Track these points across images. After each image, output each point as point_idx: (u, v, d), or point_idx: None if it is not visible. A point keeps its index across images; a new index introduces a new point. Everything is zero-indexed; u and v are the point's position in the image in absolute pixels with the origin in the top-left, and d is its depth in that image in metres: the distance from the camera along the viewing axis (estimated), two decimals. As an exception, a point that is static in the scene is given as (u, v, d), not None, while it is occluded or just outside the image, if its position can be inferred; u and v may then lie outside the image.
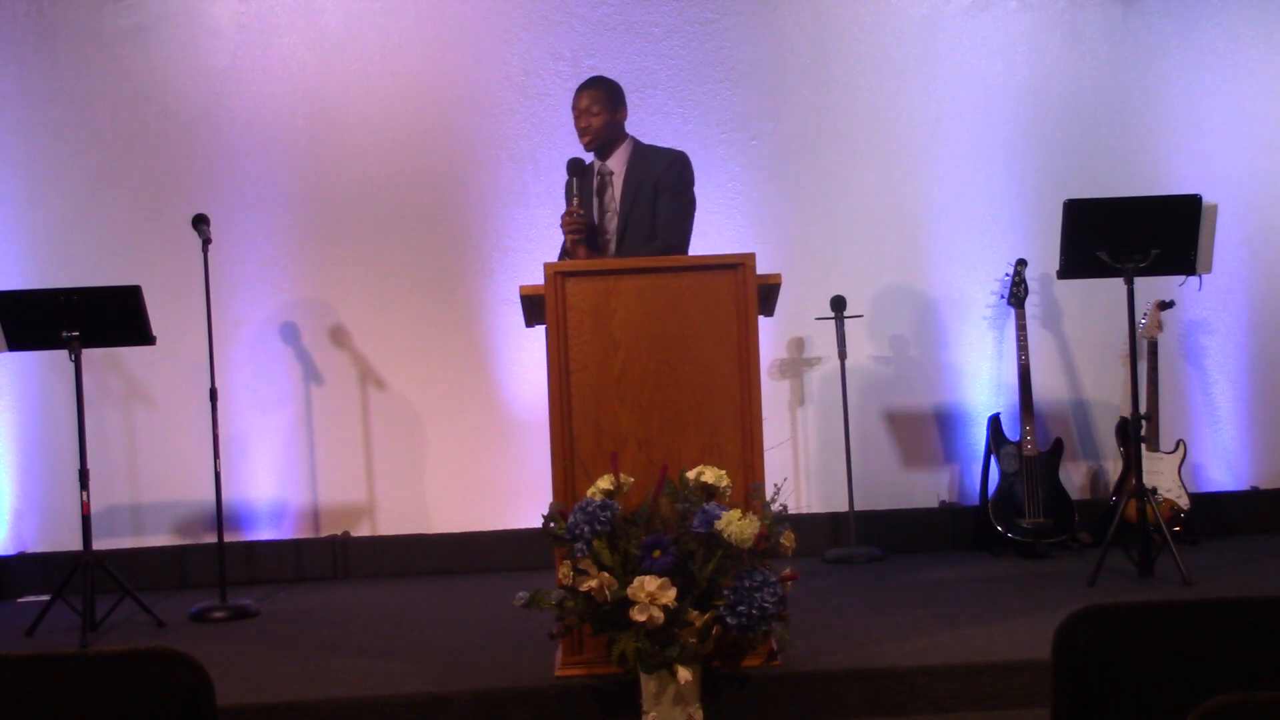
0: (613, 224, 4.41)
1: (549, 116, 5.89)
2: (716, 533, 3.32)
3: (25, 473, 5.83)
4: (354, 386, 5.91)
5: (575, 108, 4.45)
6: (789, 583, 3.43)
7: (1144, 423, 5.18)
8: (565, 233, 4.33)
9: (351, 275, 5.91)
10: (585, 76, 5.84)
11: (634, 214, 4.38)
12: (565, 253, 4.40)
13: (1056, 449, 5.65)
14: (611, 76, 5.82)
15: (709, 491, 3.44)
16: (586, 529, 3.37)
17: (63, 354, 4.87)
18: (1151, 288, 5.54)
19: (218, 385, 5.10)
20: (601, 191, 4.45)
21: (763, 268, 3.85)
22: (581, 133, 4.43)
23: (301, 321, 5.90)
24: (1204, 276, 5.03)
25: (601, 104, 4.40)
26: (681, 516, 3.42)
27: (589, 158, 4.51)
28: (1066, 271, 4.95)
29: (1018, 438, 5.61)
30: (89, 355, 5.02)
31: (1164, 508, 5.38)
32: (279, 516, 5.87)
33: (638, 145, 4.47)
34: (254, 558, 5.76)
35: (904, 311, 5.96)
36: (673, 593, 3.30)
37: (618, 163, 4.44)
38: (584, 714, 3.68)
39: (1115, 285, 4.97)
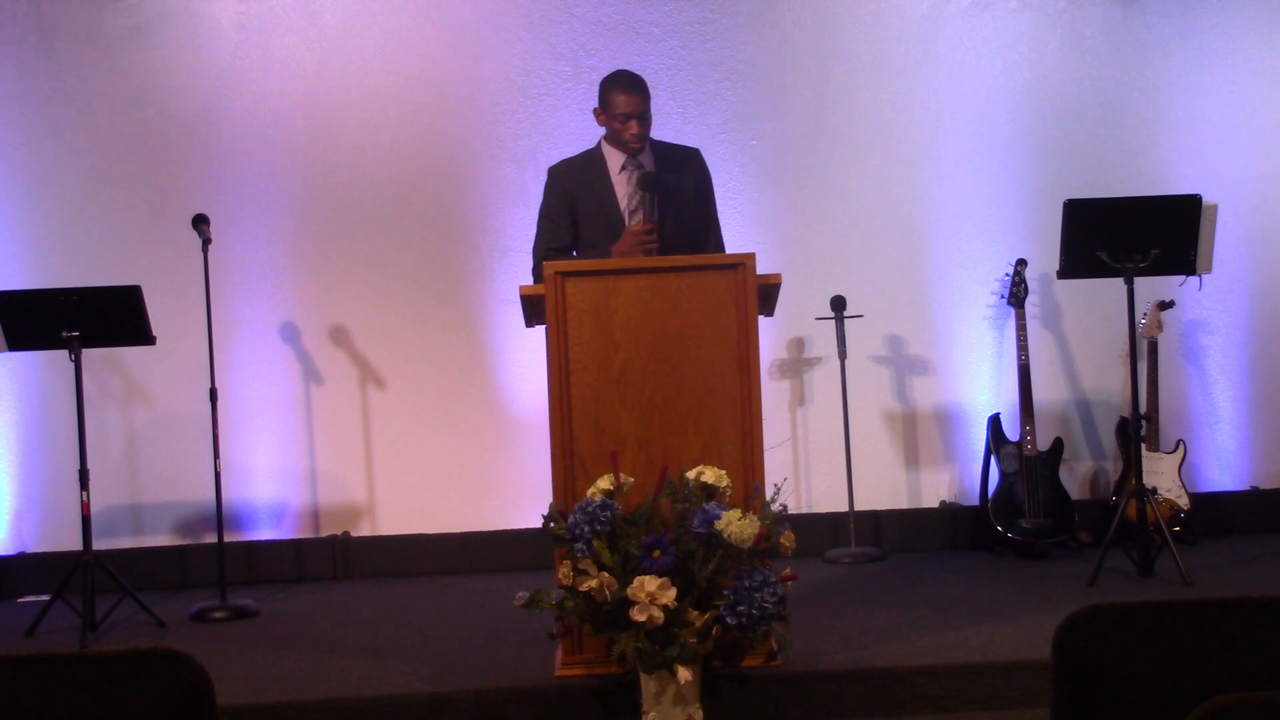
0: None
1: (549, 116, 5.89)
2: (716, 533, 3.32)
3: (25, 473, 5.83)
4: (354, 386, 5.90)
5: (617, 111, 4.23)
6: (789, 583, 3.43)
7: (1144, 423, 5.19)
8: (641, 251, 4.10)
9: (351, 275, 5.90)
10: (585, 76, 5.89)
11: (680, 216, 4.30)
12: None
13: (1056, 449, 5.65)
14: (612, 76, 5.86)
15: (709, 491, 3.44)
16: (586, 529, 3.36)
17: (63, 354, 4.87)
18: (1151, 288, 5.54)
19: (218, 385, 5.10)
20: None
21: (763, 268, 3.85)
22: (634, 139, 4.24)
23: (301, 321, 5.89)
24: (1204, 276, 5.04)
25: (648, 106, 4.27)
26: (681, 516, 3.42)
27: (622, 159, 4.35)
28: (1066, 271, 4.95)
29: (1018, 438, 5.60)
30: (89, 355, 5.02)
31: (1164, 508, 5.38)
32: (279, 516, 5.87)
33: (652, 141, 4.37)
34: (254, 558, 5.76)
35: (904, 311, 5.95)
36: (673, 593, 3.30)
37: (646, 163, 4.32)
38: (584, 714, 3.68)
39: (1115, 285, 4.97)
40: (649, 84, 4.35)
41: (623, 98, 4.24)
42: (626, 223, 4.26)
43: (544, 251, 4.29)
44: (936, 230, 5.97)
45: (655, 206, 4.18)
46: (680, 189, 4.33)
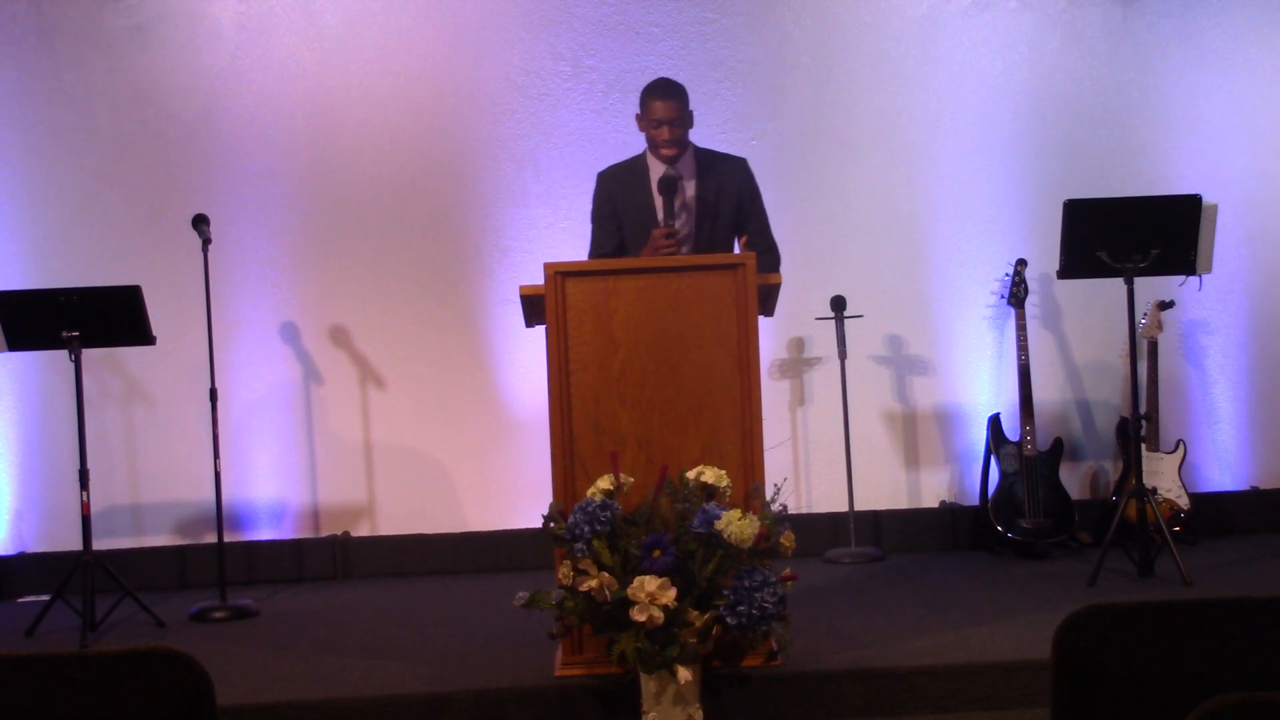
0: (680, 227, 4.31)
1: (549, 116, 5.89)
2: (716, 533, 3.32)
3: (25, 473, 5.83)
4: (354, 386, 5.90)
5: (653, 116, 4.26)
6: (789, 583, 3.43)
7: (1144, 423, 5.18)
8: (662, 253, 4.11)
9: (351, 275, 5.90)
10: (585, 76, 5.90)
11: (717, 223, 4.32)
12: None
13: (1056, 449, 5.65)
14: (611, 76, 5.87)
15: (709, 491, 3.44)
16: (586, 529, 3.36)
17: (63, 354, 4.87)
18: (1151, 288, 5.54)
19: (218, 385, 5.10)
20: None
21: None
22: (667, 144, 4.25)
23: (301, 321, 5.89)
24: (1204, 276, 5.04)
25: (684, 112, 4.27)
26: (681, 516, 3.42)
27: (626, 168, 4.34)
28: (1066, 271, 4.95)
29: (1018, 438, 5.60)
30: (89, 355, 5.02)
31: (1164, 508, 5.38)
32: (279, 516, 5.87)
33: (697, 150, 4.39)
34: (254, 558, 5.76)
35: (904, 311, 5.95)
36: (673, 593, 3.30)
37: (685, 169, 4.33)
38: (584, 714, 3.68)
39: (1115, 285, 4.97)
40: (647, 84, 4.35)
41: (659, 103, 4.28)
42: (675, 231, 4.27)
43: (596, 255, 4.40)
44: (936, 230, 5.97)
45: (673, 209, 4.20)
46: (718, 192, 4.33)
